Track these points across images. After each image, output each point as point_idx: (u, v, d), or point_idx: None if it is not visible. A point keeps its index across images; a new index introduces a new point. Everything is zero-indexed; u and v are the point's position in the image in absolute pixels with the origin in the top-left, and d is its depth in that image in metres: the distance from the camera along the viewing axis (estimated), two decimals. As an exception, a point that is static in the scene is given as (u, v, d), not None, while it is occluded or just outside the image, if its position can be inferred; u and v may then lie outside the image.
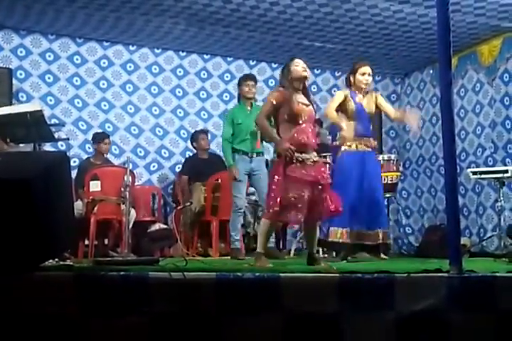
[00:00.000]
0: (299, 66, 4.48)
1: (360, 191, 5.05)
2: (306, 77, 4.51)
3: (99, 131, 7.20)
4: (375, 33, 7.05)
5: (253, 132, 5.86)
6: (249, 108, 6.12)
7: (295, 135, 4.34)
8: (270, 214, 4.33)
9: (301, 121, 4.37)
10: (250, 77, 6.23)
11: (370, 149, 5.24)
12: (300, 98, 4.45)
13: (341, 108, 5.18)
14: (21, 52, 7.15)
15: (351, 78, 5.28)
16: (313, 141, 4.45)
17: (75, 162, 6.96)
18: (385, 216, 5.45)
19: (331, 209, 4.39)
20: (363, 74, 5.22)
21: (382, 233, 5.12)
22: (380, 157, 7.40)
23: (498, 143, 7.18)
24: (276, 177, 4.33)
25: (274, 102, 4.40)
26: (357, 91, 5.26)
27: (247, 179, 6.00)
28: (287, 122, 4.39)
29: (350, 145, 5.15)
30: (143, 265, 3.49)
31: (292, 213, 4.23)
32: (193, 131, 7.62)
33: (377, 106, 5.35)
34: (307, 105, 4.46)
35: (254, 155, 5.98)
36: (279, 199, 4.22)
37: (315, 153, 4.46)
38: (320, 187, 4.34)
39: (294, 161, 4.29)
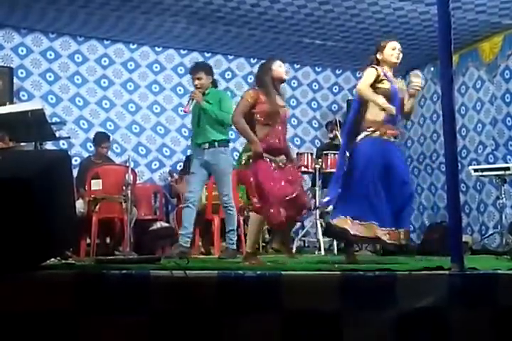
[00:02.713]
0: (282, 67, 4.43)
1: (385, 184, 4.32)
2: (284, 80, 4.50)
3: (101, 130, 7.20)
4: (376, 31, 7.05)
5: (198, 120, 5.36)
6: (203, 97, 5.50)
7: (268, 137, 4.30)
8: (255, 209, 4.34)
9: (274, 123, 4.35)
10: (190, 71, 5.59)
11: (394, 139, 4.48)
12: (276, 99, 4.40)
13: (373, 88, 4.37)
14: (22, 50, 7.16)
15: (378, 56, 4.46)
16: (285, 144, 4.43)
17: (76, 161, 6.97)
18: (410, 214, 4.70)
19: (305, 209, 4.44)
20: (393, 48, 4.44)
21: (404, 232, 4.39)
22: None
23: (499, 140, 7.18)
24: (254, 176, 4.30)
25: (250, 101, 4.32)
26: (388, 70, 4.45)
27: (206, 172, 5.39)
28: (261, 122, 4.33)
29: (374, 131, 4.37)
30: (144, 263, 3.50)
31: (273, 210, 4.19)
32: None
33: None
34: (282, 106, 4.43)
35: (207, 145, 5.30)
36: (258, 196, 4.24)
37: (283, 157, 4.37)
38: (293, 188, 4.32)
39: (267, 161, 4.29)
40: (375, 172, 4.30)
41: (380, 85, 4.36)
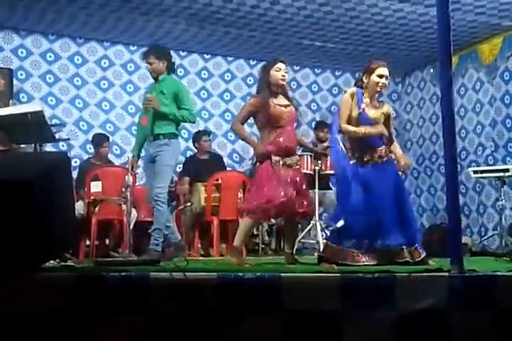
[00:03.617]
0: (279, 71, 4.42)
1: (370, 204, 4.26)
2: (283, 85, 4.47)
3: (100, 132, 7.19)
4: (376, 32, 7.06)
5: (149, 111, 4.93)
6: (157, 84, 5.12)
7: (277, 139, 4.37)
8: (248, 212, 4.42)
9: (282, 124, 4.37)
10: (142, 55, 5.18)
11: (379, 161, 4.39)
12: (278, 100, 4.43)
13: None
14: (22, 52, 7.16)
15: (364, 79, 4.42)
16: (295, 143, 4.48)
17: (75, 162, 6.97)
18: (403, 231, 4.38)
19: (302, 211, 4.46)
20: (381, 76, 4.36)
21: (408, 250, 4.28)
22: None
23: (498, 141, 7.19)
24: (255, 179, 4.43)
25: (250, 108, 4.43)
26: (367, 94, 4.43)
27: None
28: (268, 126, 4.40)
29: (357, 158, 4.37)
30: (144, 265, 3.50)
31: (262, 211, 4.29)
32: (193, 130, 7.62)
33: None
34: (286, 106, 4.44)
35: (152, 138, 4.95)
36: (254, 198, 4.35)
37: (296, 157, 4.46)
38: (295, 189, 4.37)
39: (273, 163, 4.34)
40: (356, 198, 4.23)
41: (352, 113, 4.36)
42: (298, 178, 4.43)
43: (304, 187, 4.52)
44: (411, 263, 4.19)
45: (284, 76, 4.44)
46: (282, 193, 4.26)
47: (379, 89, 4.42)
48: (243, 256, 4.37)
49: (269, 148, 4.38)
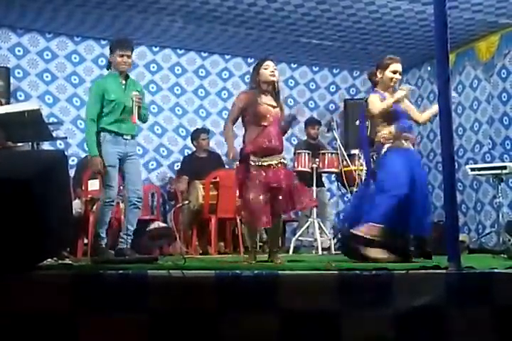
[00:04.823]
0: (267, 69, 4.39)
1: (411, 191, 4.38)
2: (273, 82, 4.43)
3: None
4: (373, 30, 7.06)
5: (128, 109, 4.70)
6: (123, 81, 4.91)
7: (257, 139, 4.29)
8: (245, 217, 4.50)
9: (265, 123, 4.31)
10: (126, 45, 4.92)
11: (412, 147, 4.68)
12: (266, 99, 4.38)
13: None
14: (19, 51, 7.15)
15: (378, 74, 4.63)
16: (278, 143, 4.35)
17: (73, 161, 6.97)
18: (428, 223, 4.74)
19: (304, 203, 4.51)
20: (395, 72, 4.60)
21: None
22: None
23: (495, 139, 7.20)
24: (240, 181, 4.36)
25: (240, 105, 4.38)
26: (383, 91, 4.64)
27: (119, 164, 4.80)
28: (253, 124, 4.34)
29: (393, 142, 4.52)
30: (142, 263, 3.50)
31: (256, 215, 4.25)
32: (191, 129, 7.62)
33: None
34: (274, 107, 4.38)
35: (129, 137, 4.79)
36: (244, 203, 4.34)
37: (278, 157, 4.34)
38: (278, 189, 4.29)
39: (252, 165, 4.28)
40: (405, 181, 4.36)
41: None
42: (277, 179, 4.29)
43: (286, 186, 4.34)
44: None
45: (273, 72, 4.41)
46: (257, 197, 4.23)
47: (392, 84, 4.63)
48: (253, 258, 4.37)
49: (248, 147, 4.32)
